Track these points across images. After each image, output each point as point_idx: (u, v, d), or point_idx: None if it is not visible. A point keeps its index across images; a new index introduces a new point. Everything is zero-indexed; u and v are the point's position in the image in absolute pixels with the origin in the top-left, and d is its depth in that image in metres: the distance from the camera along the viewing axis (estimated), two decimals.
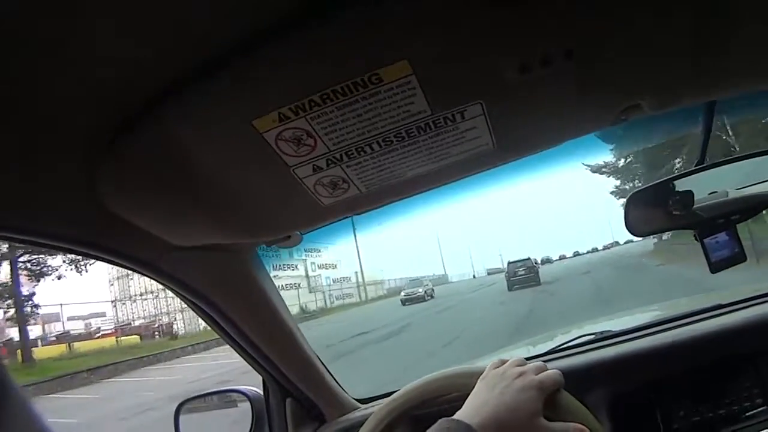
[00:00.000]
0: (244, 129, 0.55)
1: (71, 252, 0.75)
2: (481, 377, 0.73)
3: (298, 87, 0.52)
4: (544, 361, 1.13)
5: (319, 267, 29.43)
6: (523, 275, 17.79)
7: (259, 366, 1.09)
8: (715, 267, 0.98)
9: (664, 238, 15.10)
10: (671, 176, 0.95)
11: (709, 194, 0.99)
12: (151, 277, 0.85)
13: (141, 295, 25.69)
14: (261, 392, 1.19)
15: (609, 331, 1.24)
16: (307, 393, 1.14)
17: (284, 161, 0.60)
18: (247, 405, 1.18)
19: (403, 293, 22.68)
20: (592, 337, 1.24)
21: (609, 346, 1.12)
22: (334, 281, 30.23)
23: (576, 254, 48.74)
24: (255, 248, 0.96)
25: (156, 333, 21.91)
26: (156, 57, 0.48)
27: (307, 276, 28.38)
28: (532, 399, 0.66)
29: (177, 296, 0.91)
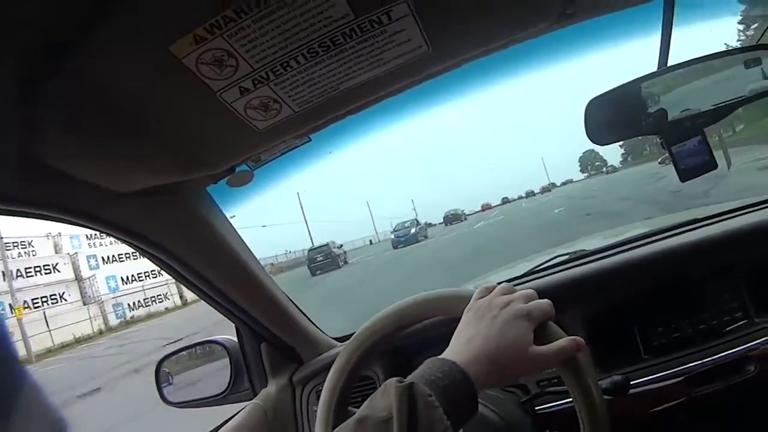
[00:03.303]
0: (163, 56, 0.53)
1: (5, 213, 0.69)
2: (466, 309, 0.68)
3: (209, 2, 0.50)
4: (520, 284, 1.12)
5: (105, 262, 20.02)
6: (322, 261, 19.18)
7: (228, 312, 1.07)
8: (685, 175, 0.95)
9: None
10: (633, 79, 0.91)
11: (682, 111, 0.96)
12: (95, 229, 0.81)
13: None
14: (236, 340, 1.18)
15: (583, 250, 1.23)
16: (280, 335, 1.13)
17: (209, 86, 0.58)
18: None
19: None
20: (566, 257, 1.23)
21: (584, 264, 1.11)
22: (126, 281, 20.32)
23: (505, 201, 42.64)
24: (203, 187, 0.92)
25: None
26: None
27: (77, 279, 18.74)
28: (522, 329, 0.62)
29: (129, 246, 0.88)
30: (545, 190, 41.21)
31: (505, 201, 43.59)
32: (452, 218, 31.95)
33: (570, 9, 0.66)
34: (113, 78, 0.55)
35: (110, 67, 0.54)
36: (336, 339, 1.24)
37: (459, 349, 0.62)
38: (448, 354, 0.62)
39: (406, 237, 22.55)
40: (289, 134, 0.75)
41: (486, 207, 42.05)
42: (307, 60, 0.59)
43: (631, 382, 0.86)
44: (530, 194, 41.77)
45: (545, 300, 0.66)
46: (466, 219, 32.41)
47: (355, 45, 0.59)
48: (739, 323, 0.98)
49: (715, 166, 0.96)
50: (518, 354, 0.61)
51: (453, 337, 0.66)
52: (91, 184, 0.71)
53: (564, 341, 0.62)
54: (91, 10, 0.47)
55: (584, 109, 0.87)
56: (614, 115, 0.90)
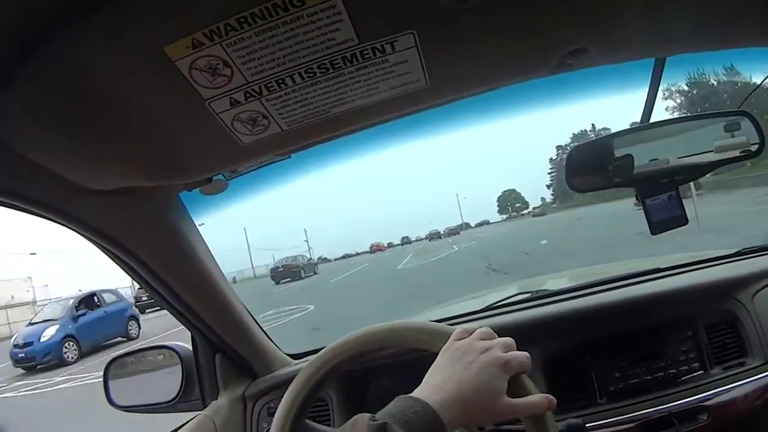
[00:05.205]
0: (156, 56, 0.51)
1: None
2: (443, 348, 0.68)
3: (212, 8, 0.48)
4: (480, 319, 1.13)
5: None
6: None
7: (186, 320, 1.04)
8: (656, 228, 0.96)
9: None
10: (614, 132, 0.92)
11: (650, 161, 0.97)
12: (61, 223, 0.77)
13: None
14: (191, 348, 1.15)
15: (546, 290, 1.24)
16: (236, 348, 1.11)
17: (199, 93, 0.56)
18: None
19: None
20: (528, 295, 1.24)
21: (546, 305, 1.12)
22: None
23: (405, 241, 36.51)
24: (175, 193, 0.90)
25: None
26: None
27: None
28: (497, 377, 0.62)
29: (92, 243, 0.84)
30: (452, 233, 32.70)
31: (405, 241, 36.79)
32: (285, 272, 19.10)
33: (569, 59, 0.66)
34: (98, 70, 0.52)
35: (96, 58, 0.51)
36: (291, 356, 1.22)
37: (432, 389, 0.62)
38: (420, 393, 0.61)
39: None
40: (272, 152, 0.74)
41: (376, 248, 34.27)
42: (303, 80, 0.57)
43: (587, 425, 0.88)
44: (435, 236, 33.89)
45: (524, 353, 0.66)
46: (315, 273, 20.07)
47: (354, 70, 0.57)
48: (695, 373, 0.99)
49: (686, 221, 0.97)
50: (490, 402, 0.61)
51: (427, 375, 0.65)
52: (61, 177, 0.68)
53: (537, 398, 0.63)
54: None
55: (566, 158, 0.88)
56: (594, 166, 0.91)
